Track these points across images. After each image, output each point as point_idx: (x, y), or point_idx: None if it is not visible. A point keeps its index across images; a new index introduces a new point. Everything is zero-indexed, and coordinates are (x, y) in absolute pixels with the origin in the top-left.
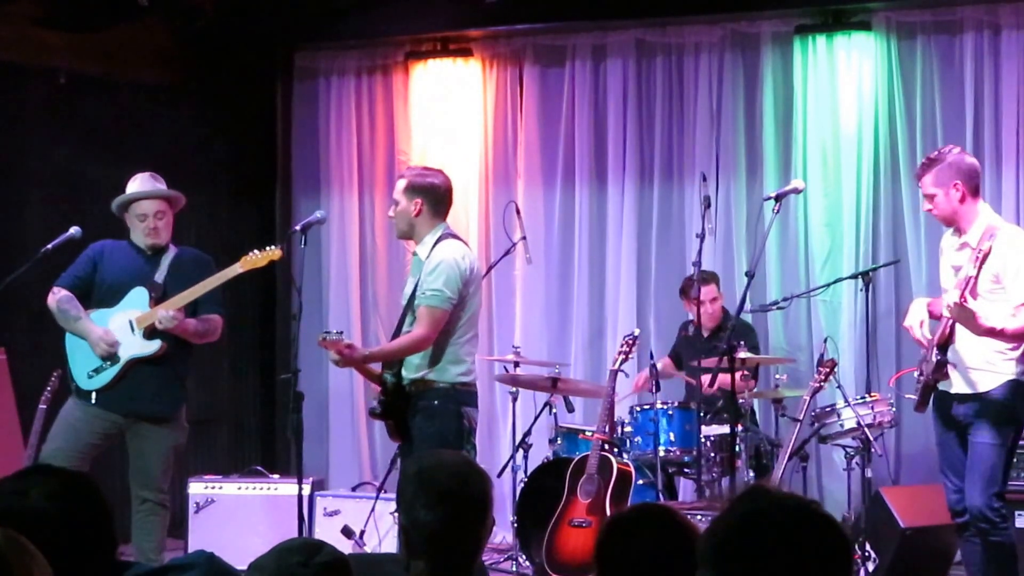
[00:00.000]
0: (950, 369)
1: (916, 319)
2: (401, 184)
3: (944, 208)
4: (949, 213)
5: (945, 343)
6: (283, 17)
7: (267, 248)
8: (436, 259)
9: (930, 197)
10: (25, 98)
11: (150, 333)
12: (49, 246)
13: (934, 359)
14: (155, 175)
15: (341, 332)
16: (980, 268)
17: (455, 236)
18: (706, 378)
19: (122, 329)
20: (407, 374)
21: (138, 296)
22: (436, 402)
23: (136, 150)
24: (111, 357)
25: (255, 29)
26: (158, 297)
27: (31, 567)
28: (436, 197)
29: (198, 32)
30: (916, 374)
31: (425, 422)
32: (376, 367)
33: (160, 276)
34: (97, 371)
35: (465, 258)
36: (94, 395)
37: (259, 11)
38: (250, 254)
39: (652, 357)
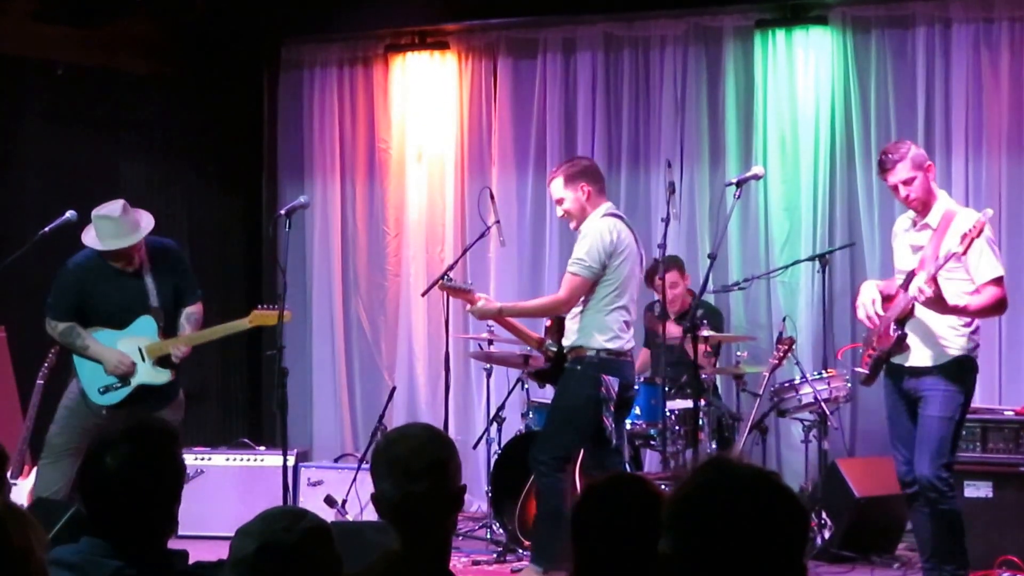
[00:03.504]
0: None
1: (868, 298)
2: (558, 182)
3: (921, 191)
4: (925, 194)
5: (904, 318)
6: (270, 12)
7: (275, 308)
8: (584, 231)
9: (908, 181)
10: (24, 89)
11: (160, 361)
12: (47, 229)
13: (893, 334)
14: (126, 206)
15: (471, 283)
16: (968, 246)
17: (615, 214)
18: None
19: (131, 354)
20: (564, 342)
21: (146, 325)
22: (579, 367)
23: (129, 138)
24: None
25: (243, 23)
26: (164, 325)
27: (29, 535)
28: (594, 175)
29: (189, 26)
30: (861, 350)
31: (564, 381)
32: (533, 332)
33: (154, 299)
34: (108, 389)
35: (612, 231)
36: (105, 410)
37: (247, 6)
38: (259, 309)
39: None
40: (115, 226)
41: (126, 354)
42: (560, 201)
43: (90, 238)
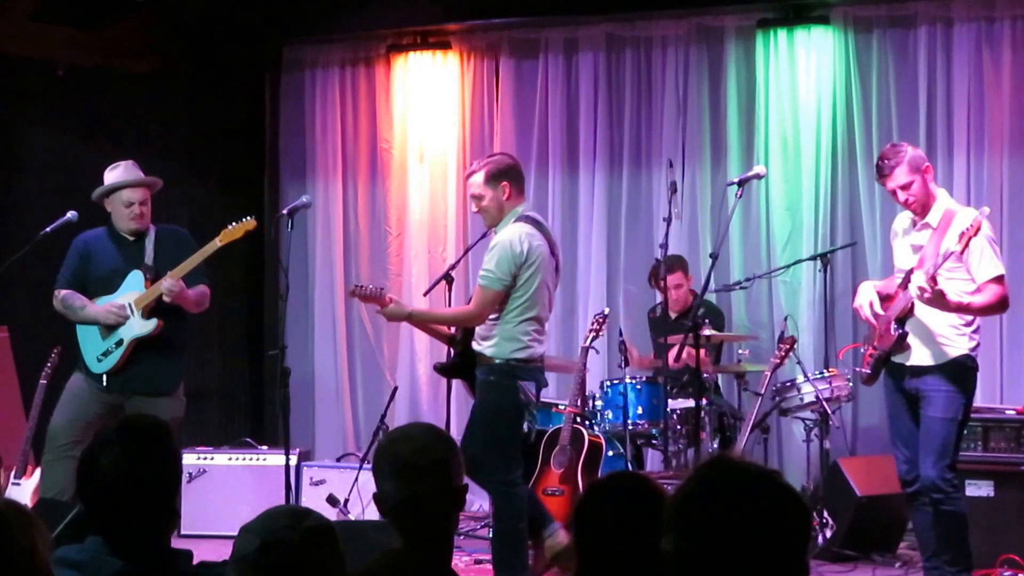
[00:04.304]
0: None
1: (866, 299)
2: (479, 178)
3: (920, 193)
4: (924, 197)
5: (904, 317)
6: (271, 12)
7: (242, 219)
8: (495, 241)
9: (907, 186)
10: (25, 89)
11: (148, 313)
12: (48, 229)
13: (894, 333)
14: (135, 163)
15: (382, 288)
16: (966, 244)
17: (529, 218)
18: (672, 353)
19: None
20: (474, 344)
21: (134, 279)
22: (492, 377)
23: (131, 138)
24: (120, 326)
25: (244, 24)
26: (153, 278)
27: (33, 535)
28: (517, 175)
29: (190, 27)
30: (863, 350)
31: (482, 395)
32: (446, 329)
33: (149, 258)
34: (105, 354)
35: (523, 241)
36: (105, 378)
37: (248, 7)
38: (228, 227)
39: (621, 334)
40: (128, 168)
41: (113, 301)
42: (478, 197)
43: (111, 177)
